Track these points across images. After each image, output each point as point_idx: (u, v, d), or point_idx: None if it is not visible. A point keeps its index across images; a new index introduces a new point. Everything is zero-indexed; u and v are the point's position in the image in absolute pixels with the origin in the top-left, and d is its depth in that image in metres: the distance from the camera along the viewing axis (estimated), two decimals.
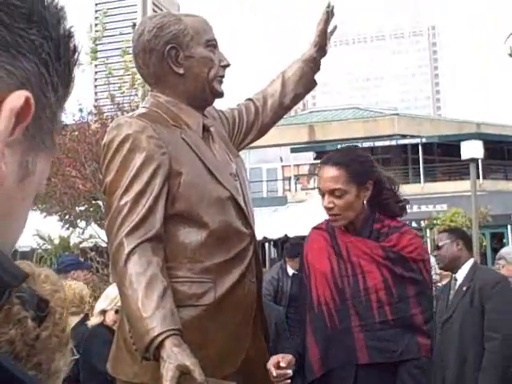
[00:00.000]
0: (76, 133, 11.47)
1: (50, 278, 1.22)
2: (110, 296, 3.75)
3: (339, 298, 2.36)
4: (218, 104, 2.53)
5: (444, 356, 4.04)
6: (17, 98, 0.53)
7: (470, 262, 4.20)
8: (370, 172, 2.45)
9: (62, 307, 1.19)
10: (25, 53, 0.54)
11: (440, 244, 4.25)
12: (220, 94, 2.36)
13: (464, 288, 4.10)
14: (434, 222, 18.73)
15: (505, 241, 22.07)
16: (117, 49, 13.34)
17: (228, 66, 2.36)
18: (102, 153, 2.21)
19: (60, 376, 1.16)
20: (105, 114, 12.02)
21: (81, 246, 13.21)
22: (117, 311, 3.67)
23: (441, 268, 4.45)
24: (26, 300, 1.07)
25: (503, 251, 5.73)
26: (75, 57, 0.61)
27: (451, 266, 4.21)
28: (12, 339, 1.06)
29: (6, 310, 1.07)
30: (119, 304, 3.66)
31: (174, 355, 1.94)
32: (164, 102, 2.30)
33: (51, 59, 0.57)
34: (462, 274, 4.17)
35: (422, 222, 21.04)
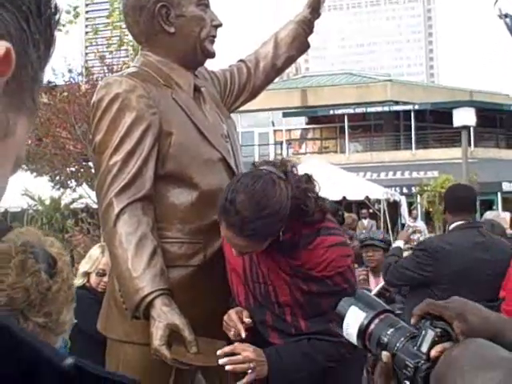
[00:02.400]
0: (65, 93, 11.37)
1: (55, 244, 1.33)
2: (92, 258, 3.76)
3: (254, 301, 2.11)
4: (210, 65, 2.50)
5: None
6: None
7: (451, 227, 4.01)
8: (281, 221, 1.92)
9: (68, 268, 1.30)
10: (3, 2, 0.52)
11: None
12: (211, 54, 2.33)
13: None
14: (425, 188, 18.80)
15: (494, 208, 22.20)
16: (106, 9, 13.15)
17: (220, 25, 2.33)
18: (91, 112, 2.19)
19: (66, 329, 1.26)
20: (95, 76, 11.91)
21: (72, 207, 13.20)
22: (97, 273, 3.69)
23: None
24: (39, 255, 1.23)
25: (488, 217, 5.73)
26: (56, 16, 0.58)
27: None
28: (27, 287, 1.17)
29: (22, 261, 1.20)
30: (100, 266, 3.69)
31: (164, 314, 1.95)
32: (154, 61, 2.28)
33: (32, 14, 0.54)
34: None
35: (412, 188, 21.12)
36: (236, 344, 2.01)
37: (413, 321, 1.25)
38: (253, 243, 1.94)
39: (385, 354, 1.24)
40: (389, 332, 1.27)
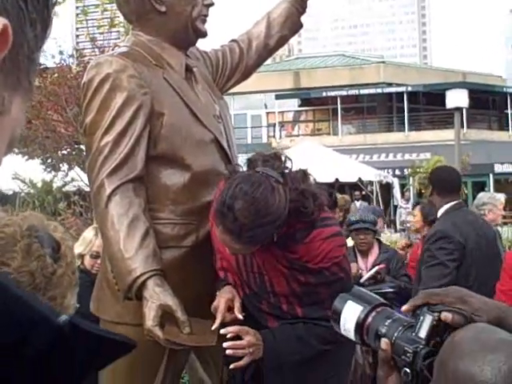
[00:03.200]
0: (56, 75, 11.28)
1: (59, 228, 1.35)
2: (86, 240, 3.74)
3: (249, 290, 2.10)
4: (202, 45, 2.48)
5: None
6: None
7: (443, 208, 3.97)
8: (279, 226, 1.90)
9: (71, 253, 1.32)
10: None
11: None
12: (203, 34, 2.31)
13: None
14: (417, 170, 18.83)
15: (486, 189, 22.28)
16: None
17: (212, 4, 2.31)
18: (82, 92, 2.17)
19: (70, 313, 1.25)
20: (86, 58, 11.81)
21: (64, 189, 13.16)
22: (91, 255, 3.68)
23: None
24: (44, 240, 1.24)
25: (483, 198, 5.71)
26: None
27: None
28: (32, 271, 1.18)
29: (28, 245, 1.21)
30: (94, 249, 3.68)
31: (157, 295, 1.95)
32: (146, 40, 2.25)
33: None
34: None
35: (405, 170, 21.15)
36: (239, 327, 2.01)
37: (405, 307, 1.25)
38: (249, 247, 1.94)
39: (384, 341, 1.25)
40: (386, 323, 1.28)
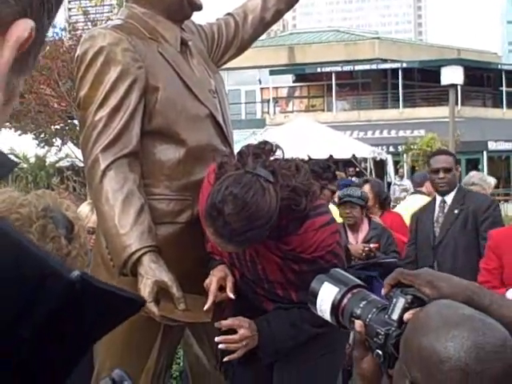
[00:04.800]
0: (48, 48, 11.17)
1: (71, 208, 1.32)
2: (81, 215, 3.72)
3: (241, 277, 2.09)
4: (197, 18, 2.44)
5: None
6: (23, 29, 0.51)
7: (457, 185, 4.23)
8: (270, 227, 1.86)
9: (84, 233, 1.30)
10: None
11: (448, 167, 4.15)
12: (198, 7, 2.27)
13: (456, 211, 4.11)
14: (411, 147, 18.83)
15: (480, 167, 22.33)
16: None
17: None
18: (76, 66, 2.14)
19: None
20: (79, 31, 11.71)
21: (57, 165, 13.13)
22: (87, 231, 3.66)
23: (443, 192, 4.20)
24: (59, 220, 1.22)
25: (473, 178, 5.73)
26: None
27: (452, 189, 4.19)
28: (47, 252, 1.12)
29: (43, 227, 1.19)
30: (89, 224, 3.65)
31: (152, 271, 1.94)
32: (140, 13, 2.22)
33: None
34: (450, 197, 4.17)
35: (399, 146, 21.14)
36: (231, 319, 2.01)
37: (384, 290, 1.26)
38: (241, 248, 1.94)
39: (358, 323, 1.25)
40: (361, 305, 1.28)
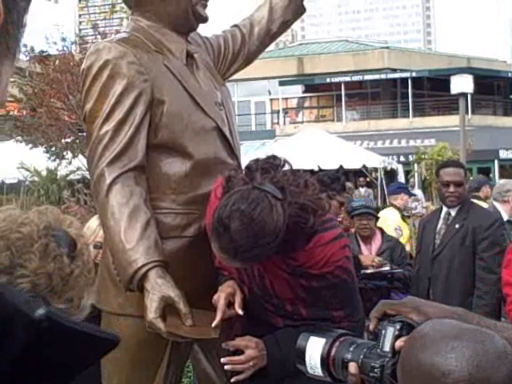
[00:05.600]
0: (58, 61, 11.24)
1: (74, 224, 1.29)
2: (90, 229, 3.70)
3: (250, 293, 2.05)
4: (202, 31, 2.43)
5: (433, 292, 4.05)
6: None
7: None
8: (276, 245, 1.82)
9: (87, 251, 1.27)
10: None
11: (459, 180, 4.09)
12: (204, 19, 2.26)
13: (457, 226, 4.06)
14: (422, 156, 18.75)
15: (491, 175, 22.20)
16: None
17: None
18: (81, 79, 2.13)
19: (84, 313, 1.22)
20: (88, 45, 11.78)
21: (68, 178, 13.17)
22: (95, 246, 3.63)
23: (453, 206, 4.14)
24: (61, 239, 1.19)
25: (507, 185, 5.70)
26: None
27: (459, 204, 4.12)
28: (50, 272, 1.13)
29: (44, 246, 1.16)
30: (97, 239, 3.63)
31: (158, 286, 1.92)
32: (145, 26, 2.20)
33: None
34: (455, 210, 4.13)
35: (410, 156, 21.08)
36: (239, 339, 1.99)
37: (371, 326, 1.24)
38: (245, 264, 1.92)
39: (351, 365, 1.24)
40: (351, 349, 1.28)
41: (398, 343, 1.16)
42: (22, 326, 0.44)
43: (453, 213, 4.14)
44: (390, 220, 6.73)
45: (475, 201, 6.02)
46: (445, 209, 4.21)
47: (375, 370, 1.17)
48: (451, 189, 4.06)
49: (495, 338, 1.01)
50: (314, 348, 1.35)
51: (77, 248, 1.22)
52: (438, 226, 4.19)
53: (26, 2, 0.54)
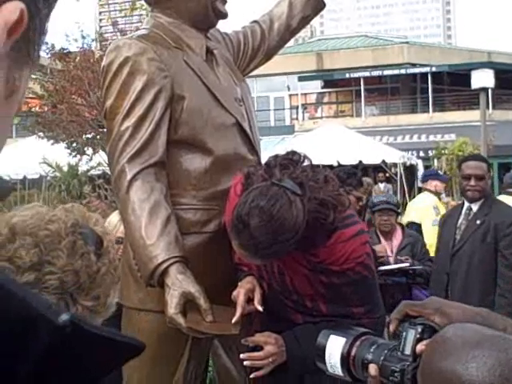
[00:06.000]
0: (78, 58, 11.32)
1: (100, 222, 1.29)
2: (111, 225, 3.72)
3: (269, 289, 2.05)
4: (222, 26, 2.43)
5: (451, 289, 4.00)
6: (11, 11, 0.48)
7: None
8: (297, 240, 1.82)
9: (113, 249, 1.27)
10: None
11: (480, 174, 4.00)
12: (223, 15, 2.26)
13: (478, 221, 3.99)
14: (442, 151, 18.61)
15: None
16: None
17: None
18: (101, 76, 2.14)
19: (110, 311, 1.23)
20: (109, 42, 11.85)
21: (89, 173, 13.28)
22: (116, 241, 3.65)
23: (474, 200, 4.06)
24: (88, 236, 1.20)
25: None
26: None
27: (481, 198, 4.05)
28: (77, 270, 1.14)
29: (72, 243, 1.16)
30: (118, 234, 3.65)
31: (179, 282, 1.92)
32: (165, 22, 2.21)
33: None
34: (477, 205, 4.06)
35: (429, 151, 20.92)
36: (258, 335, 1.99)
37: (391, 327, 1.22)
38: (267, 261, 1.92)
39: (371, 366, 1.22)
40: (371, 349, 1.26)
41: (420, 347, 1.14)
42: (46, 331, 0.43)
43: (474, 208, 4.07)
44: (427, 200, 6.76)
45: (506, 196, 5.96)
46: (466, 204, 4.14)
47: (395, 374, 1.15)
48: (472, 182, 3.98)
49: None
50: (334, 347, 1.34)
51: (103, 246, 1.22)
52: (459, 222, 4.13)
53: (48, 10, 0.54)
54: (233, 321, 1.92)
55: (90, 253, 1.18)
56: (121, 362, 0.50)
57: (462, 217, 4.13)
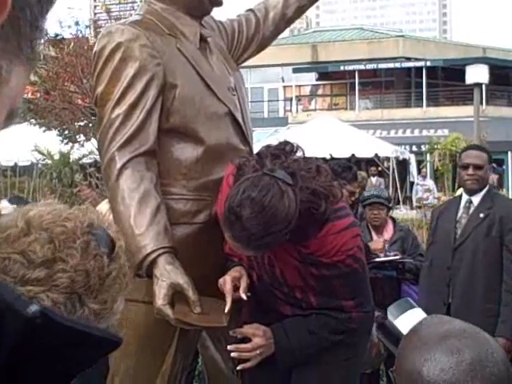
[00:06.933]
0: (72, 45, 11.25)
1: (112, 226, 1.28)
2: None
3: (259, 280, 2.05)
4: (217, 15, 2.40)
5: (453, 283, 3.94)
6: None
7: (487, 186, 3.94)
8: (289, 230, 1.81)
9: (124, 255, 1.24)
10: None
11: (478, 163, 3.85)
12: (218, 3, 2.23)
13: (481, 215, 3.85)
14: (435, 146, 18.64)
15: (504, 167, 22.04)
16: None
17: None
18: (93, 62, 2.11)
19: (115, 318, 1.21)
20: (102, 29, 11.79)
21: (80, 161, 13.22)
22: None
23: (471, 190, 3.91)
24: (102, 238, 1.17)
25: None
26: None
27: (481, 189, 3.90)
28: (89, 270, 1.11)
29: (86, 243, 1.14)
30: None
31: (167, 273, 1.90)
32: (159, 9, 2.17)
33: None
34: (478, 198, 3.92)
35: (422, 146, 20.96)
36: (246, 327, 1.99)
37: None
38: (259, 252, 1.92)
39: None
40: None
41: None
42: (14, 322, 0.42)
43: (475, 201, 3.96)
44: None
45: None
46: (465, 197, 4.01)
47: None
48: (470, 171, 3.81)
49: (473, 346, 1.02)
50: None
51: (115, 250, 1.20)
52: (458, 215, 4.03)
53: (41, 2, 0.51)
54: (225, 311, 1.90)
55: (103, 255, 1.15)
56: (98, 356, 0.48)
57: (461, 210, 4.03)
